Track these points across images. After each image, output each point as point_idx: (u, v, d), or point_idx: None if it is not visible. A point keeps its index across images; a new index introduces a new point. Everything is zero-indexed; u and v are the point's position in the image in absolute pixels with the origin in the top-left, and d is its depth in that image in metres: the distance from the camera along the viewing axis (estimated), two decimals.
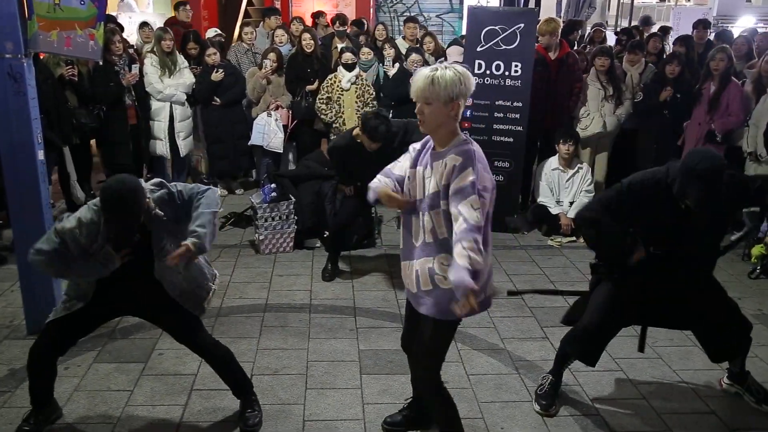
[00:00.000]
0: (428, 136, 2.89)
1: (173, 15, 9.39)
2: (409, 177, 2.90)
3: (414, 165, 2.89)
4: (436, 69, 2.69)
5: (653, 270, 3.39)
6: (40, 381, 3.32)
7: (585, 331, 3.52)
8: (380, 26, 8.87)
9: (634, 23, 13.70)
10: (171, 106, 7.13)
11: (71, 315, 3.25)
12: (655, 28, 10.34)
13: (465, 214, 2.62)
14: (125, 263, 3.16)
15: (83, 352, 4.16)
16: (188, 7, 8.85)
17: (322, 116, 7.10)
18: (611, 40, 9.58)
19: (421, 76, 2.69)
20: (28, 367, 3.30)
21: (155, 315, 3.44)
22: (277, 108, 7.24)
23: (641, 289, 3.46)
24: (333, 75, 7.11)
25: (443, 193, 2.72)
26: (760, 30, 10.55)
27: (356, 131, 5.16)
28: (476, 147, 2.79)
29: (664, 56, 7.46)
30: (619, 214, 3.32)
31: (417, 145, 2.94)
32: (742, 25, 12.31)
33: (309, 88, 7.34)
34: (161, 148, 7.19)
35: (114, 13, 9.18)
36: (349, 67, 7.01)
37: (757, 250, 5.67)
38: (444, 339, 2.99)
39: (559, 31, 6.76)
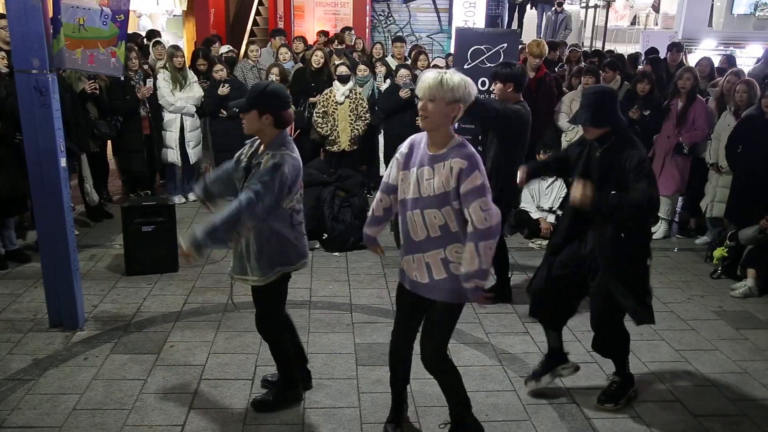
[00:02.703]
0: (412, 138, 2.92)
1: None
2: (401, 179, 2.92)
3: (405, 167, 2.90)
4: (445, 72, 2.73)
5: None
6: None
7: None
8: (378, 45, 8.94)
9: (607, 43, 13.81)
10: (182, 118, 7.14)
11: None
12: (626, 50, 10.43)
13: (475, 217, 2.67)
14: None
15: (101, 344, 4.17)
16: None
17: (318, 129, 7.11)
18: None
19: (430, 76, 2.71)
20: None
21: None
22: None
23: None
24: (329, 90, 7.12)
25: (453, 194, 2.73)
26: (718, 54, 10.69)
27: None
28: (471, 150, 2.81)
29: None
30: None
31: (403, 149, 2.94)
32: (704, 47, 12.41)
33: (311, 100, 7.33)
34: (173, 156, 7.19)
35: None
36: (344, 80, 7.02)
37: (718, 252, 5.71)
38: (453, 320, 3.00)
39: (546, 52, 6.81)
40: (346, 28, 10.26)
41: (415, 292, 2.98)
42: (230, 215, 2.98)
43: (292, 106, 3.23)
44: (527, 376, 3.82)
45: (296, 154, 3.17)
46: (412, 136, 2.96)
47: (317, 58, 7.45)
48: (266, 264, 3.19)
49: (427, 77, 2.71)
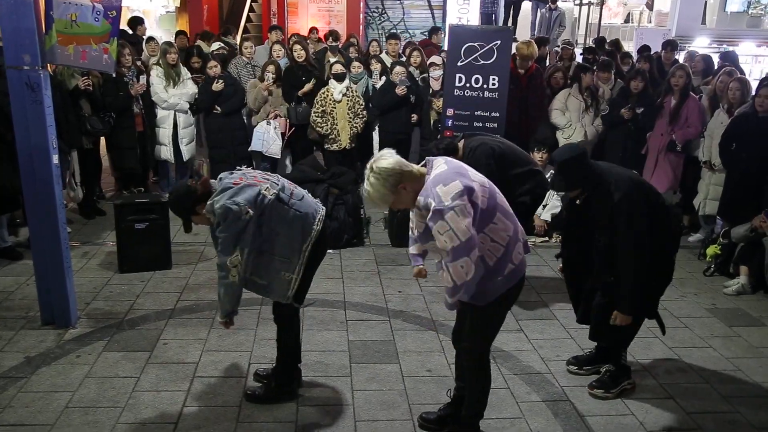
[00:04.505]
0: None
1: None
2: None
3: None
4: (366, 189, 2.75)
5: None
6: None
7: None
8: (374, 42, 8.92)
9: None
10: (175, 114, 7.11)
11: None
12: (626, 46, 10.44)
13: (438, 245, 2.73)
14: None
15: (93, 342, 4.15)
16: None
17: (318, 129, 7.07)
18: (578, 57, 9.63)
19: (366, 200, 2.80)
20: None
21: None
22: (275, 117, 7.22)
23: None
24: (325, 89, 7.09)
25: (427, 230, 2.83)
26: (713, 50, 10.69)
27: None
28: (435, 169, 2.77)
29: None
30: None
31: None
32: (698, 45, 12.42)
33: (305, 88, 7.26)
34: (166, 152, 7.16)
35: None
36: (340, 78, 7.00)
37: (711, 250, 5.73)
38: (481, 320, 3.02)
39: (536, 54, 6.82)
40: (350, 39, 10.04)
41: None
42: (220, 294, 3.32)
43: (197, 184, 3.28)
44: (570, 359, 4.02)
45: (227, 181, 3.25)
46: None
47: (297, 52, 7.43)
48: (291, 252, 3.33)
49: (368, 204, 2.90)
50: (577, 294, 3.85)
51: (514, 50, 6.67)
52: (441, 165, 2.79)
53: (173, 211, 3.38)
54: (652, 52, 8.85)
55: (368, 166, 2.77)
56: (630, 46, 11.96)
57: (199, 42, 9.19)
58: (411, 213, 3.08)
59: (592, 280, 3.70)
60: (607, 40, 10.55)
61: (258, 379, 3.72)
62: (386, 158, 2.77)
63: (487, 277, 2.87)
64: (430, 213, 2.68)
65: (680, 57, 9.13)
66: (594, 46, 10.12)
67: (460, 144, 4.60)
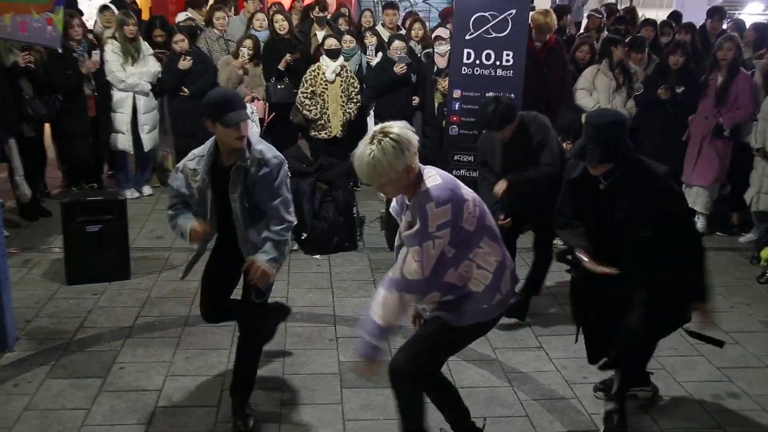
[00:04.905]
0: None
1: None
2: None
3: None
4: (372, 151, 2.69)
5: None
6: None
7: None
8: (367, 12, 8.87)
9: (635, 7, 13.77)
10: (134, 97, 7.09)
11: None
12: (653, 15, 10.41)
13: (405, 267, 2.81)
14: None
15: (35, 367, 4.11)
16: None
17: (305, 112, 7.04)
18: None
19: (361, 163, 2.73)
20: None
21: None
22: (253, 100, 7.18)
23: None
24: (316, 66, 7.05)
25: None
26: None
27: None
28: (428, 178, 2.80)
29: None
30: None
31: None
32: (749, 11, 12.45)
33: (287, 58, 7.22)
34: (123, 142, 7.13)
35: None
36: (333, 55, 6.97)
37: (766, 252, 5.71)
38: (438, 338, 3.05)
39: (555, 25, 6.79)
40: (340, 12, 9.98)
41: None
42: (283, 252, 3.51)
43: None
44: (597, 385, 3.94)
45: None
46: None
47: (279, 24, 7.43)
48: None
49: (361, 166, 2.74)
50: (592, 330, 3.69)
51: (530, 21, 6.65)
52: (434, 176, 2.82)
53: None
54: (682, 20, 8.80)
55: (380, 129, 2.75)
56: (668, 14, 11.94)
57: (189, 11, 8.85)
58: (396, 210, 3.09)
59: (610, 307, 3.50)
60: (641, 12, 10.55)
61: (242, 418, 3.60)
62: (407, 129, 2.77)
63: (472, 301, 2.93)
64: (413, 230, 2.76)
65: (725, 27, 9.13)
66: (624, 15, 10.08)
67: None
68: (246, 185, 3.37)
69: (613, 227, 3.37)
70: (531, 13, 6.89)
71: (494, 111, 4.36)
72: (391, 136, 2.70)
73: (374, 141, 2.71)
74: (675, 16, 9.21)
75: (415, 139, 2.77)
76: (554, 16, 6.79)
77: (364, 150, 2.72)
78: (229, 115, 3.22)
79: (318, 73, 6.98)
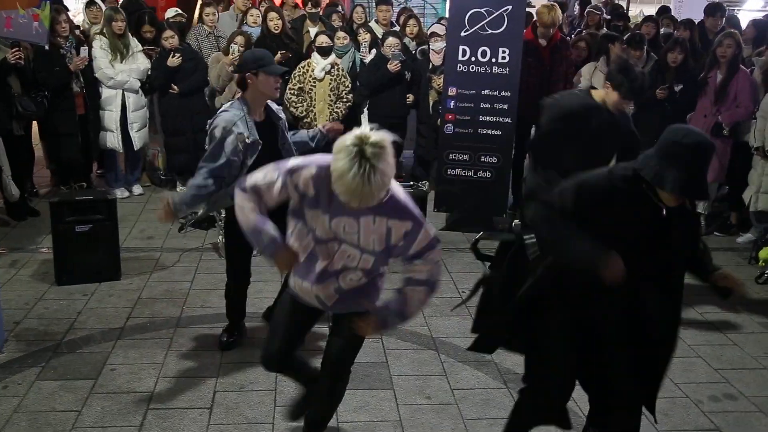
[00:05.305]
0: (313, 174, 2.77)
1: None
2: (311, 217, 2.91)
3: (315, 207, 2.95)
4: (364, 170, 2.45)
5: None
6: None
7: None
8: (358, 8, 8.87)
9: (632, 4, 13.81)
10: (123, 95, 7.08)
11: None
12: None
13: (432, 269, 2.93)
14: None
15: (24, 369, 4.12)
16: None
17: (292, 109, 7.06)
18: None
19: (363, 186, 2.47)
20: None
21: None
22: None
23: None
24: (306, 62, 7.08)
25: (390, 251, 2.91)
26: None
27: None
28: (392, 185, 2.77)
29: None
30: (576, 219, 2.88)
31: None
32: (749, 8, 12.49)
33: (278, 56, 7.17)
34: (112, 140, 7.13)
35: None
36: (325, 52, 6.99)
37: (765, 252, 5.75)
38: None
39: (560, 20, 6.80)
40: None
41: None
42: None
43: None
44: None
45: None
46: (311, 171, 2.77)
47: (273, 22, 7.42)
48: None
49: (357, 191, 2.49)
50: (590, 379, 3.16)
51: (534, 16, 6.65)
52: (395, 185, 2.77)
53: None
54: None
55: (367, 136, 2.50)
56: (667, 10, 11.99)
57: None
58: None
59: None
60: (639, 9, 10.57)
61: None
62: (377, 130, 2.58)
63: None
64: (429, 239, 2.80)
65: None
66: (621, 11, 10.11)
67: None
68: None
69: (636, 256, 2.82)
70: (536, 7, 6.90)
71: (642, 74, 4.16)
72: (382, 145, 2.51)
73: (376, 158, 2.48)
74: (664, 11, 9.24)
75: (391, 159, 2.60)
76: (559, 11, 6.76)
77: (360, 170, 2.46)
78: (272, 65, 3.87)
79: (307, 70, 7.01)
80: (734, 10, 11.36)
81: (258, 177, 2.87)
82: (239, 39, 7.14)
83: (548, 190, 3.08)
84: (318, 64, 7.00)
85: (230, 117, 3.83)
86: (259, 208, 2.87)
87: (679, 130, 2.81)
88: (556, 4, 6.91)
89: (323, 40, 7.03)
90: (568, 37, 7.74)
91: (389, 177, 2.57)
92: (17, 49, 6.15)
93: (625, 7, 10.12)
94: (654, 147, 2.80)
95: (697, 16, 8.87)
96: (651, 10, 10.72)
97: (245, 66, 3.88)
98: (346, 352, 3.13)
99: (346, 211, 2.71)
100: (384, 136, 2.54)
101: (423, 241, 2.78)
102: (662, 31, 8.22)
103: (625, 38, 7.32)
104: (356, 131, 2.55)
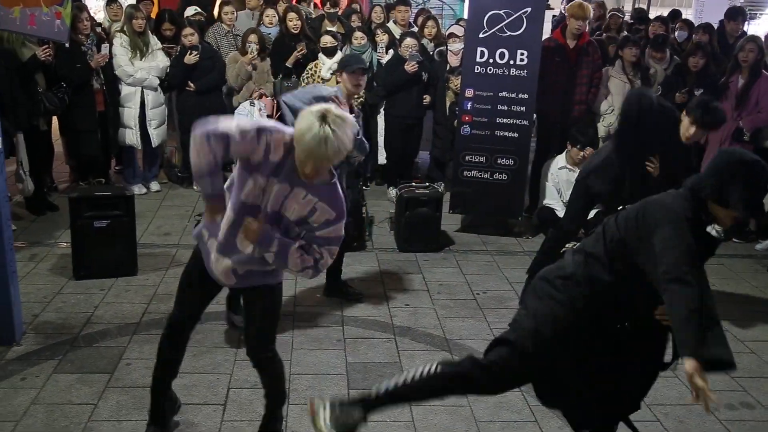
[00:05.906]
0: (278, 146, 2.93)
1: None
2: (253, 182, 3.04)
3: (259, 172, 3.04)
4: (324, 132, 2.72)
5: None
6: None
7: None
8: (377, 8, 8.89)
9: (653, 7, 13.74)
10: (142, 92, 7.14)
11: None
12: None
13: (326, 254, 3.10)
14: None
15: (42, 361, 4.16)
16: None
17: None
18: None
19: (323, 144, 2.72)
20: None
21: None
22: (260, 96, 7.23)
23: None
24: (314, 63, 7.11)
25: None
26: None
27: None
28: None
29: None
30: None
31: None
32: None
33: (293, 57, 7.28)
34: (131, 137, 7.19)
35: None
36: (330, 52, 7.01)
37: None
38: (276, 300, 3.41)
39: (590, 14, 6.79)
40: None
41: None
42: None
43: None
44: None
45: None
46: (286, 136, 2.94)
47: (292, 23, 7.46)
48: None
49: (320, 149, 2.75)
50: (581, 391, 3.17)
51: (565, 14, 6.66)
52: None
53: None
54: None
55: (331, 109, 2.79)
56: (689, 14, 11.93)
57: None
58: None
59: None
60: (659, 11, 10.52)
61: None
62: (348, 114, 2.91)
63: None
64: (339, 234, 3.06)
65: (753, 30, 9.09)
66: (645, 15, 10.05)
67: None
68: None
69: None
70: (567, 5, 6.89)
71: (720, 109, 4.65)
72: (344, 118, 2.79)
73: (335, 125, 2.73)
74: (674, 14, 9.19)
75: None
76: (590, 8, 6.78)
77: (321, 131, 2.71)
78: (353, 66, 4.57)
79: (315, 70, 7.05)
80: (757, 13, 11.25)
81: (228, 126, 2.90)
82: (253, 37, 7.17)
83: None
84: (324, 64, 7.02)
85: None
86: (217, 157, 2.94)
87: (734, 151, 2.93)
88: (586, 3, 6.86)
89: (327, 40, 7.06)
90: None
91: (346, 147, 2.79)
92: (47, 46, 6.22)
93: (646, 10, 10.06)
94: (707, 169, 2.82)
95: (717, 20, 8.82)
96: (686, 15, 10.67)
97: (339, 67, 4.65)
98: (264, 321, 3.32)
99: (286, 178, 2.94)
100: (348, 115, 2.86)
101: (333, 233, 3.04)
102: (676, 34, 8.19)
103: (652, 41, 7.28)
104: (319, 108, 2.81)
